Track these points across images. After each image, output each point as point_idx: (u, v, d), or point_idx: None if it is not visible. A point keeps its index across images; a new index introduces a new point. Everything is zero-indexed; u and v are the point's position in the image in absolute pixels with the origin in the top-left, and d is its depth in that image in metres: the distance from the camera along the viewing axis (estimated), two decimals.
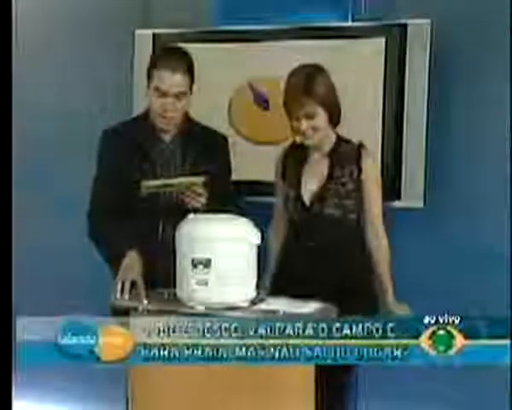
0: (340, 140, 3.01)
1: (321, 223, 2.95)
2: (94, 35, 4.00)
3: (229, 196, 2.95)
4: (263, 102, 3.64)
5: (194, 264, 2.47)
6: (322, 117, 2.90)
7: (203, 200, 2.81)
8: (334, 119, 2.96)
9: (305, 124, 2.88)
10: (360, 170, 2.96)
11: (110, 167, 2.93)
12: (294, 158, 3.04)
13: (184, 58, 2.90)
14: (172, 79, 2.84)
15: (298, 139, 2.97)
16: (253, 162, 3.60)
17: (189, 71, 2.89)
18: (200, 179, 2.80)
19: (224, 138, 3.09)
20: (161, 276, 2.72)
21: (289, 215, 3.02)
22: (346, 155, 2.99)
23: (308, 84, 2.86)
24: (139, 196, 2.80)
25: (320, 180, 2.98)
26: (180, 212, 2.75)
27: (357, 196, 2.96)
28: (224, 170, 3.05)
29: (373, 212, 2.98)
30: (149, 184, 2.78)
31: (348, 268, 2.96)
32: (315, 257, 2.94)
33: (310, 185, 2.98)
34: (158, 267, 2.79)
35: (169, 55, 2.91)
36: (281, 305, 2.51)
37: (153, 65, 2.89)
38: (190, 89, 2.92)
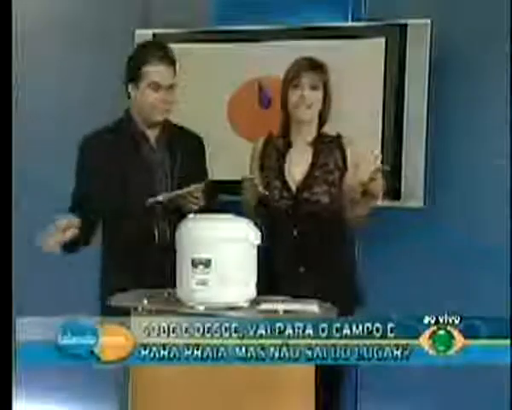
0: (320, 133, 3.08)
1: (309, 209, 2.97)
2: (94, 35, 4.00)
3: (211, 198, 2.97)
4: (266, 102, 3.65)
5: (195, 264, 2.47)
6: (320, 95, 3.00)
7: (201, 203, 2.83)
8: (324, 114, 3.04)
9: (307, 92, 2.96)
10: (345, 157, 3.03)
11: (98, 173, 2.92)
12: (275, 148, 3.08)
13: (168, 51, 2.95)
14: (165, 72, 2.90)
15: (295, 113, 3.01)
16: None
17: (174, 63, 2.95)
18: (201, 186, 2.82)
19: (201, 140, 3.12)
20: (157, 278, 2.74)
21: (272, 205, 3.01)
22: (328, 143, 3.06)
23: (317, 62, 3.02)
24: (132, 199, 2.82)
25: (305, 168, 3.03)
26: (176, 215, 2.78)
27: (342, 183, 3.02)
28: (205, 170, 3.09)
29: (354, 189, 2.97)
30: (156, 199, 2.81)
31: (334, 256, 3.01)
32: (301, 245, 2.97)
33: (294, 173, 3.03)
34: (154, 270, 2.82)
35: (154, 49, 2.95)
36: (281, 305, 2.51)
37: (142, 62, 2.91)
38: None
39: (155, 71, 2.89)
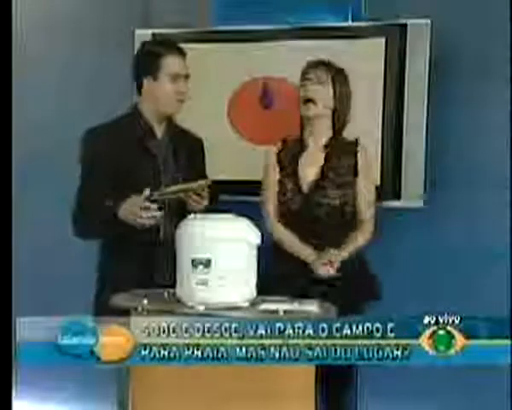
0: (336, 136, 3.10)
1: (319, 212, 2.99)
2: (94, 35, 4.00)
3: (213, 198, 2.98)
4: (268, 102, 3.65)
5: (194, 264, 2.47)
6: (328, 90, 3.04)
7: (205, 202, 2.83)
8: (338, 113, 3.08)
9: (310, 87, 3.03)
10: (357, 161, 3.07)
11: (107, 164, 2.92)
12: (290, 150, 3.11)
13: (178, 45, 3.01)
14: (181, 63, 2.96)
15: (301, 110, 3.06)
16: (253, 162, 3.59)
17: (185, 55, 3.00)
18: (205, 183, 2.83)
19: (203, 144, 3.14)
20: (161, 276, 2.75)
21: (285, 206, 3.05)
22: (342, 147, 3.09)
23: (322, 59, 3.10)
24: (140, 193, 2.82)
25: (317, 170, 3.06)
26: (180, 213, 2.78)
27: (354, 187, 3.06)
28: (205, 172, 3.09)
29: (365, 196, 3.08)
30: (165, 190, 2.81)
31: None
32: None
33: (307, 174, 3.06)
34: (157, 268, 2.83)
35: (168, 44, 3.03)
36: (281, 305, 2.51)
37: (161, 54, 2.95)
38: None
39: (173, 62, 2.95)
